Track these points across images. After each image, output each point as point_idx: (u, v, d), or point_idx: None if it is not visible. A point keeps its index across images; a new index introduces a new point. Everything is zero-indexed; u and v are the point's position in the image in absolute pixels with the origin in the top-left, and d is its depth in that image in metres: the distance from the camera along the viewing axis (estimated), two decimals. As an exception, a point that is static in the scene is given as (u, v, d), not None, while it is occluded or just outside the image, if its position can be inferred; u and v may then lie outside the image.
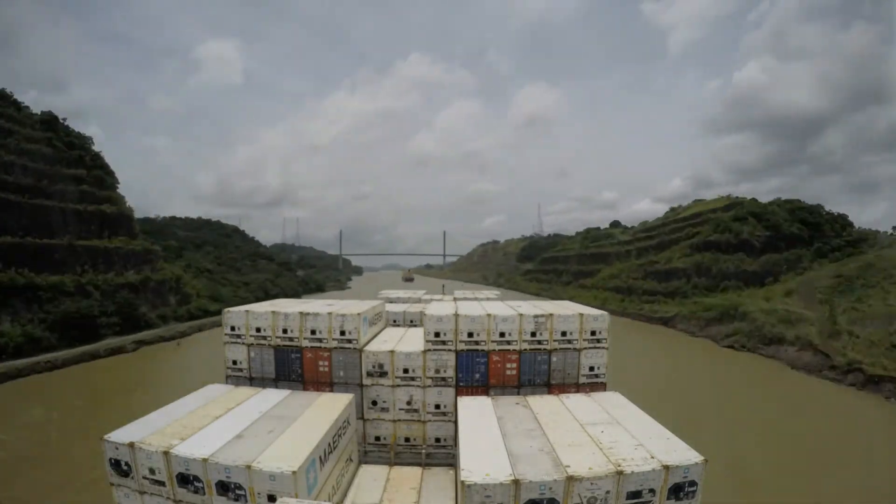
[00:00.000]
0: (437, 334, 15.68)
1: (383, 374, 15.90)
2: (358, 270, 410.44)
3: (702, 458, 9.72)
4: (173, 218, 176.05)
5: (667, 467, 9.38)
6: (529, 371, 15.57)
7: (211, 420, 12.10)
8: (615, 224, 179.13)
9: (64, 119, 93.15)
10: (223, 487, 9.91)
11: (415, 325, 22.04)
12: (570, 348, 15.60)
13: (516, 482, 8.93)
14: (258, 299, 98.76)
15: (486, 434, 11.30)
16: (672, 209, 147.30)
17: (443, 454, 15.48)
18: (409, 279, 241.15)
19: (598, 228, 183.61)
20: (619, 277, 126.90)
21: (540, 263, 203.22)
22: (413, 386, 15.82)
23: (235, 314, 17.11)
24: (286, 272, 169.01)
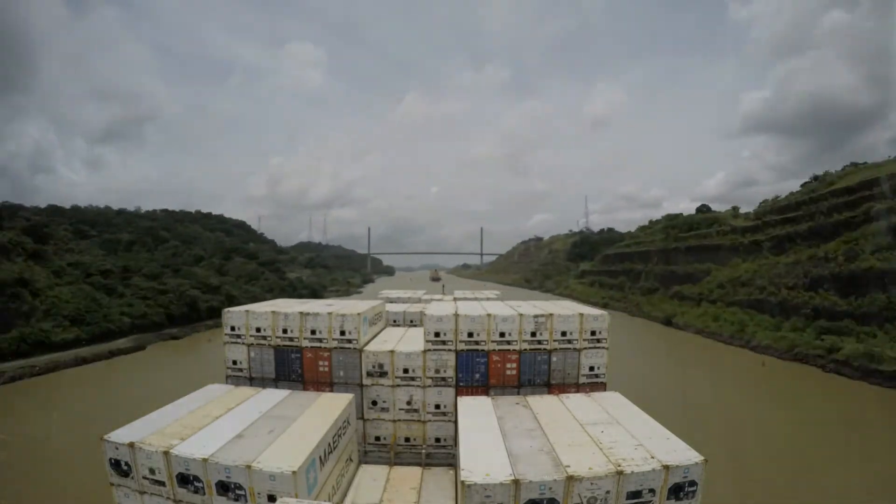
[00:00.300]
0: (437, 334, 15.68)
1: (383, 374, 15.90)
2: (389, 270, 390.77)
3: (702, 458, 9.72)
4: (164, 210, 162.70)
5: (667, 467, 9.38)
6: (529, 371, 15.57)
7: (211, 420, 12.11)
8: (704, 208, 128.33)
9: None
10: (223, 487, 9.91)
11: (415, 325, 22.03)
12: (570, 348, 15.61)
13: (516, 482, 8.92)
14: (168, 317, 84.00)
15: (486, 434, 11.29)
16: (815, 178, 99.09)
17: (443, 454, 15.48)
18: (435, 279, 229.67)
19: (681, 214, 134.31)
20: (754, 284, 80.00)
21: (602, 263, 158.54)
22: (413, 386, 15.82)
23: (235, 314, 17.12)
24: (269, 274, 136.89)
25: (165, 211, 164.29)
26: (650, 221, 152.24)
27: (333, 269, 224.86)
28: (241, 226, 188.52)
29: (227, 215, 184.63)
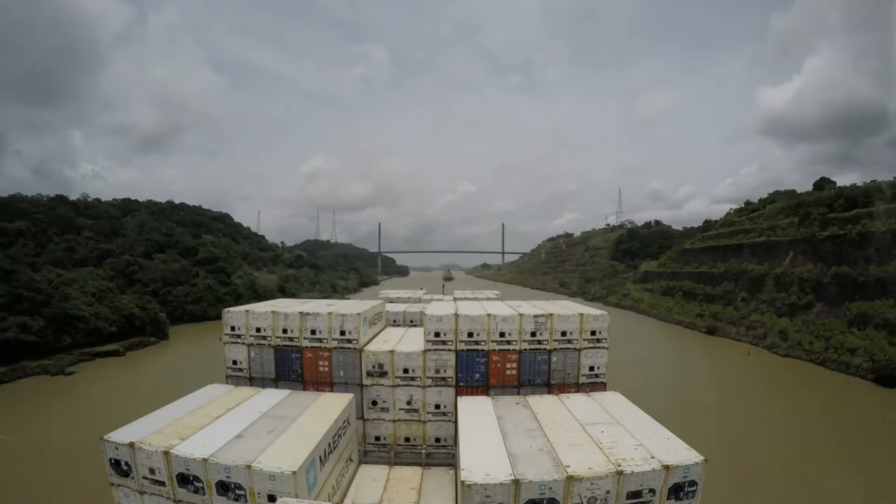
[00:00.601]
0: (437, 334, 15.68)
1: (383, 374, 15.90)
2: (403, 270, 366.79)
3: (701, 457, 9.72)
4: (125, 199, 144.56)
5: (667, 467, 9.38)
6: (529, 371, 15.57)
7: (211, 420, 12.11)
8: (824, 183, 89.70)
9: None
10: (223, 487, 9.91)
11: (415, 325, 22.04)
12: (570, 348, 15.60)
13: (516, 482, 8.92)
14: None
15: (486, 434, 11.30)
16: None
17: (443, 454, 15.48)
18: (448, 279, 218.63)
19: (794, 191, 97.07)
20: None
21: (678, 261, 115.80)
22: (413, 386, 15.82)
23: (235, 314, 17.11)
24: (207, 276, 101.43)
25: (126, 199, 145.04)
26: (746, 203, 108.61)
27: (325, 269, 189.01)
28: (221, 218, 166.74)
29: (258, 214, 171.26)
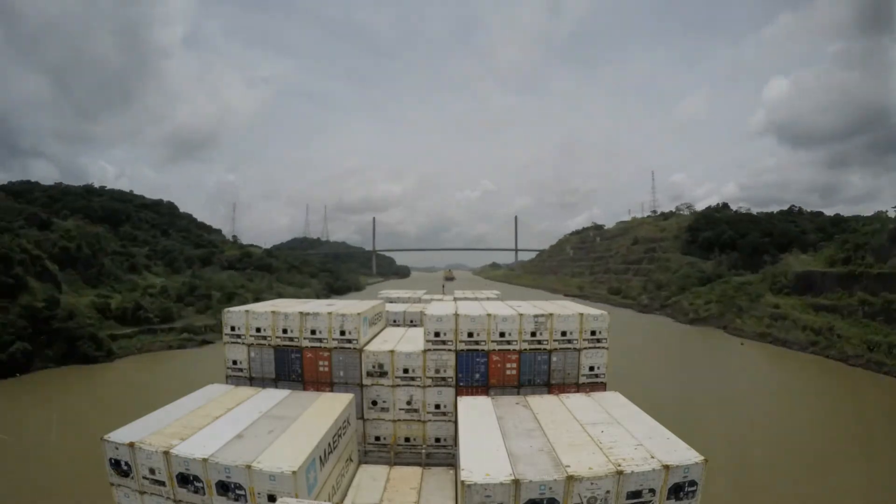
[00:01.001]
0: (437, 334, 15.70)
1: (383, 374, 15.92)
2: (403, 271, 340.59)
3: (702, 457, 9.72)
4: (25, 182, 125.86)
5: (667, 467, 9.38)
6: (529, 371, 15.58)
7: (211, 420, 12.11)
8: None
9: None
10: (223, 487, 9.91)
11: (415, 325, 22.06)
12: (570, 348, 15.62)
13: (516, 482, 8.93)
14: None
15: (486, 434, 11.30)
16: None
17: (443, 454, 15.49)
18: (449, 279, 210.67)
19: None
20: None
21: (886, 254, 63.73)
22: (413, 386, 15.83)
23: (235, 314, 17.12)
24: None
25: (25, 182, 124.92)
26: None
27: (284, 271, 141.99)
28: (154, 206, 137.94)
29: (234, 207, 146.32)
